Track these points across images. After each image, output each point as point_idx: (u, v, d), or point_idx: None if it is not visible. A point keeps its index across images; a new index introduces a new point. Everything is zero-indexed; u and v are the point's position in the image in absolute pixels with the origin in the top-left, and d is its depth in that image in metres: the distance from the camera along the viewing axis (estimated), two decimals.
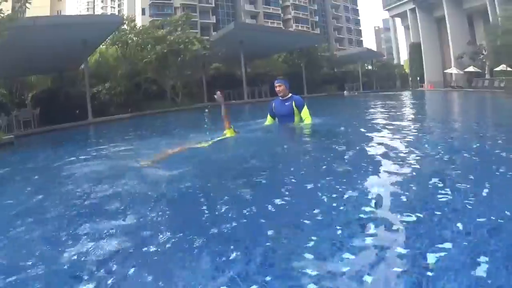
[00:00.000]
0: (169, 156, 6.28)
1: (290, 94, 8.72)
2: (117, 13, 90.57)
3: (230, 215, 3.42)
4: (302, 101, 8.70)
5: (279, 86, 8.60)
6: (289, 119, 8.59)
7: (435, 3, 62.48)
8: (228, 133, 7.47)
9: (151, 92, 33.66)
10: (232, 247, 2.72)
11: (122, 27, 32.85)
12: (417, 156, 5.45)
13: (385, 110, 17.47)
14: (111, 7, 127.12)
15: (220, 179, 4.98)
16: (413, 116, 14.64)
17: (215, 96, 7.83)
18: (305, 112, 8.49)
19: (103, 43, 32.41)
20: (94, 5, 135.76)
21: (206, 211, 3.61)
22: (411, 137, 7.80)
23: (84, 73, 30.51)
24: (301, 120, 8.54)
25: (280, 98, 8.72)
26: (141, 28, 35.35)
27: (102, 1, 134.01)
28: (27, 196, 4.78)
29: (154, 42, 33.26)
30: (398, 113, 15.65)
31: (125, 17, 35.77)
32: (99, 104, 29.09)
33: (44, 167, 7.64)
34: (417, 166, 4.82)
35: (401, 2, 72.49)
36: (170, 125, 17.91)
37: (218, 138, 7.30)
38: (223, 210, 3.54)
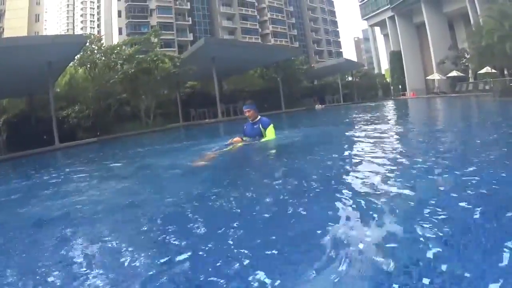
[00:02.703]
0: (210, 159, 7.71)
1: (259, 117, 9.27)
2: (96, 33, 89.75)
3: None
4: (268, 122, 9.14)
5: (248, 112, 9.18)
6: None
7: (414, 9, 62.54)
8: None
9: (123, 113, 32.88)
10: None
11: (90, 47, 32.00)
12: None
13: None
14: (90, 27, 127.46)
15: None
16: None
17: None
18: (269, 130, 8.98)
19: (71, 64, 31.50)
20: (74, 26, 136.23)
21: None
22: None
23: (55, 95, 29.88)
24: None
25: (250, 121, 9.26)
26: (107, 47, 34.31)
27: (81, 22, 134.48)
28: None
29: (122, 61, 32.44)
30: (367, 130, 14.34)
31: (92, 37, 34.72)
32: (68, 128, 28.25)
33: None
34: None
35: (379, 11, 72.52)
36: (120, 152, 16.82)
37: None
38: None
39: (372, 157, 6.42)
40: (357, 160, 6.50)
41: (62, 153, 20.77)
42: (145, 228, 3.88)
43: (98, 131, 28.48)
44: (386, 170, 5.13)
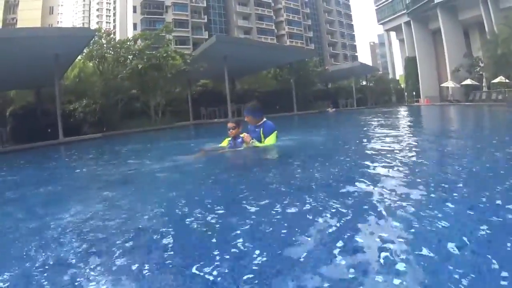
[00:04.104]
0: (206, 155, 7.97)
1: (264, 120, 8.12)
2: (112, 28, 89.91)
3: None
4: (271, 129, 7.97)
5: (246, 117, 8.17)
6: None
7: (430, 15, 62.05)
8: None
9: (132, 109, 32.54)
10: None
11: (100, 41, 31.62)
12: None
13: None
14: (106, 22, 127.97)
15: None
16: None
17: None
18: (270, 139, 7.86)
19: (80, 58, 31.20)
20: (89, 20, 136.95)
21: None
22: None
23: (64, 89, 29.71)
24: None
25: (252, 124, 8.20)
26: (116, 42, 33.88)
27: (97, 16, 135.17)
28: None
29: (132, 56, 32.04)
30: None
31: (102, 31, 34.30)
32: (74, 122, 27.90)
33: None
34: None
35: (395, 15, 72.16)
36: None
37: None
38: None
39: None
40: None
41: (64, 148, 20.25)
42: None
43: (104, 127, 28.03)
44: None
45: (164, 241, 3.17)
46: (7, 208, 5.25)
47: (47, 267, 2.83)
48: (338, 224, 3.14)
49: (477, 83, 50.48)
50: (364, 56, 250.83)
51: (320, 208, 3.60)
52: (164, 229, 3.50)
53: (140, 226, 3.60)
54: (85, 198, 5.30)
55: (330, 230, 3.03)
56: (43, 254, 3.09)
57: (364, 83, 65.61)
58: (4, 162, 14.70)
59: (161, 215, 3.98)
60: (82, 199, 5.23)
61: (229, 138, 8.16)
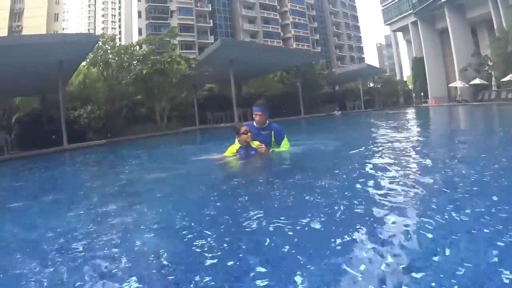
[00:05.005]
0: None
1: (268, 122, 7.56)
2: (117, 33, 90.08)
3: None
4: (283, 132, 7.51)
5: (259, 115, 7.40)
6: None
7: (437, 15, 61.94)
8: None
9: (137, 115, 32.37)
10: None
11: (103, 47, 31.36)
12: None
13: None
14: (111, 27, 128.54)
15: None
16: None
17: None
18: (284, 144, 7.40)
19: (84, 63, 31.05)
20: (95, 26, 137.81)
21: None
22: None
23: (69, 95, 29.79)
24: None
25: (256, 126, 7.48)
26: (120, 47, 33.58)
27: (102, 22, 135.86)
28: None
29: (136, 62, 31.78)
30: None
31: (105, 36, 34.04)
32: (79, 129, 27.62)
33: None
34: None
35: (402, 16, 72.05)
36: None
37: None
38: None
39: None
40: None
41: (68, 154, 20.09)
42: None
43: (109, 133, 27.76)
44: None
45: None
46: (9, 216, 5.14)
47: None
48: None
49: (486, 82, 50.07)
50: (371, 58, 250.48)
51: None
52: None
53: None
54: (87, 208, 5.10)
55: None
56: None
57: (372, 85, 65.08)
58: (9, 169, 14.57)
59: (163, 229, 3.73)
60: (85, 209, 5.08)
61: (237, 146, 7.35)
